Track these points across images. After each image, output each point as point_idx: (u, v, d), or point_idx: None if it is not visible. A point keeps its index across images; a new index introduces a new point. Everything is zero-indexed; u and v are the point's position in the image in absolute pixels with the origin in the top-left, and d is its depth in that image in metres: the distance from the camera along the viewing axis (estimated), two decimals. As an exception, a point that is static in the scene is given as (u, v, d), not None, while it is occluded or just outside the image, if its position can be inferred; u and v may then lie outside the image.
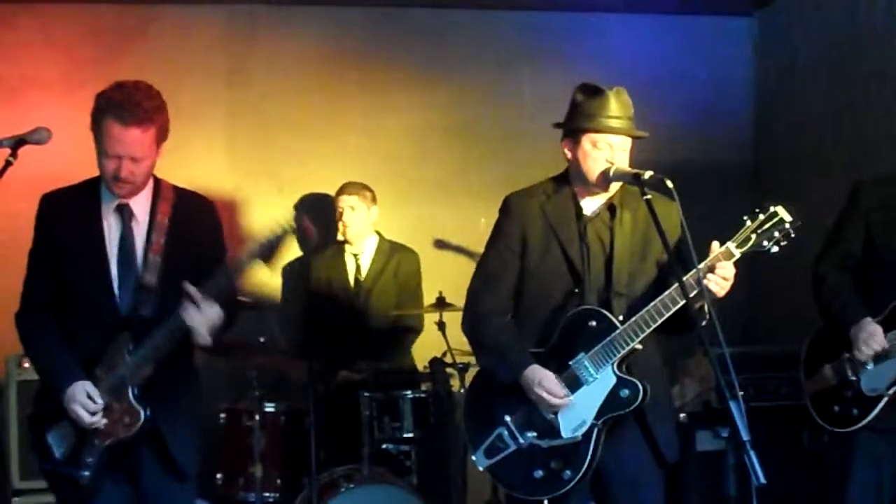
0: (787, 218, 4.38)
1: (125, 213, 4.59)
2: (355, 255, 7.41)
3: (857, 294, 5.09)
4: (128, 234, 4.57)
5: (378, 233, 7.49)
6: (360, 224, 7.37)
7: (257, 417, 6.48)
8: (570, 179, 4.76)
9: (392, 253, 7.44)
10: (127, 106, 4.42)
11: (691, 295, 4.26)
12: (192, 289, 4.35)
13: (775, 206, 4.41)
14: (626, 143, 4.64)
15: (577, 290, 4.63)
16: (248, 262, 4.40)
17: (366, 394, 6.49)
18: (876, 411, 4.97)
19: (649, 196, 4.34)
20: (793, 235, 4.39)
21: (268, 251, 4.39)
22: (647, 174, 4.36)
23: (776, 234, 4.37)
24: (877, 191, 5.13)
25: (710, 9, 8.38)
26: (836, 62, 7.42)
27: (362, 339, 7.21)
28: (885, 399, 4.95)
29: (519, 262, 4.72)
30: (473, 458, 4.70)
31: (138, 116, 4.43)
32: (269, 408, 6.60)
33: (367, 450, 6.41)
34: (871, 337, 4.95)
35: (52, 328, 4.59)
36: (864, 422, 4.98)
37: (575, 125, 4.68)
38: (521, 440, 4.58)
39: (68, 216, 4.62)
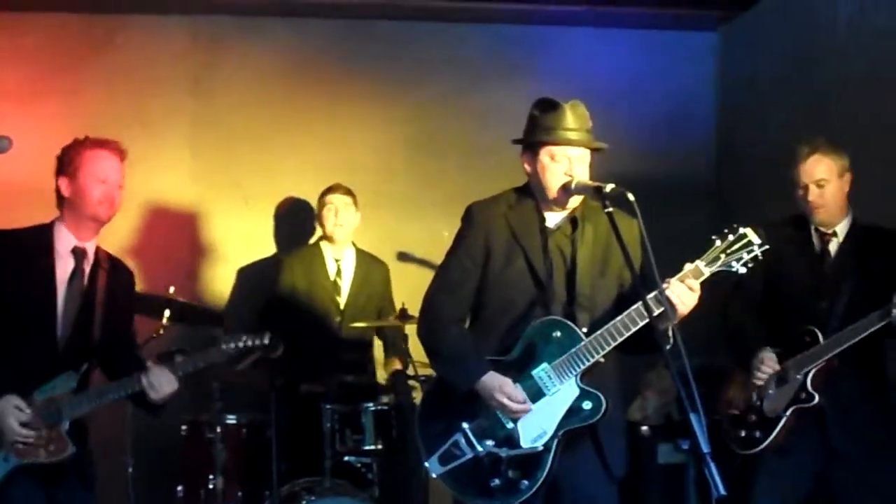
0: (756, 240, 4.44)
1: (79, 255, 4.99)
2: (337, 260, 7.36)
3: (757, 329, 5.41)
4: (78, 272, 4.98)
5: (354, 244, 7.48)
6: (350, 224, 7.36)
7: (218, 429, 6.44)
8: (531, 192, 4.76)
9: (371, 265, 7.46)
10: (108, 141, 5.06)
11: (656, 312, 4.29)
12: (154, 366, 4.88)
13: (744, 227, 4.46)
14: (584, 155, 4.65)
15: (540, 301, 4.63)
16: (219, 358, 4.86)
17: (328, 406, 6.47)
18: (776, 432, 5.19)
19: (611, 209, 4.34)
20: (760, 258, 4.45)
21: (240, 356, 4.91)
22: (609, 187, 4.37)
23: (744, 255, 4.43)
24: (770, 234, 5.31)
25: (674, 24, 8.42)
26: (797, 77, 7.47)
27: (339, 349, 7.17)
28: (784, 420, 5.17)
29: (480, 270, 4.71)
30: (427, 464, 4.65)
31: (119, 150, 5.06)
32: (231, 420, 6.57)
33: (328, 462, 6.39)
34: (763, 362, 5.24)
35: None
36: (766, 443, 5.22)
37: (532, 139, 4.69)
38: (479, 448, 4.55)
39: (19, 254, 4.96)
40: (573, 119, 4.61)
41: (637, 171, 7.25)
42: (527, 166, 4.74)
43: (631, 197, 4.26)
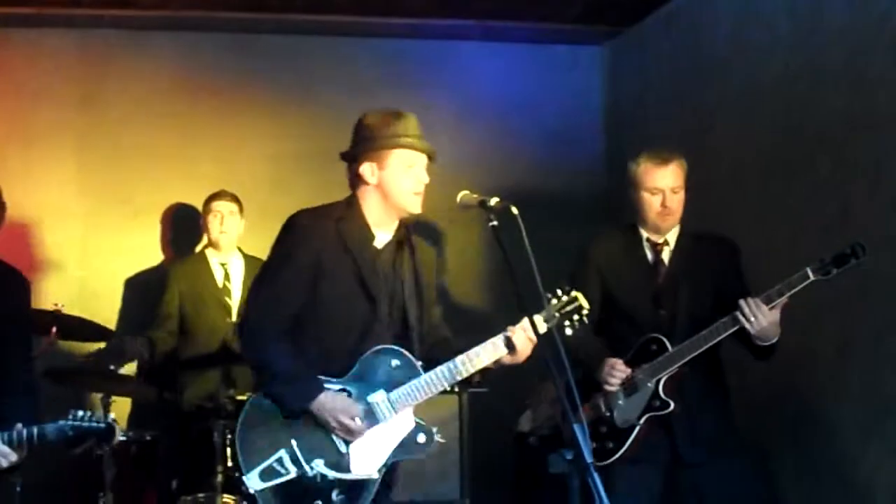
0: (585, 306, 4.52)
1: None
2: (223, 265, 7.36)
3: (598, 341, 5.38)
4: None
5: (240, 249, 7.46)
6: (235, 231, 7.36)
7: (107, 446, 6.38)
8: (360, 206, 4.65)
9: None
10: None
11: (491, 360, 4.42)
12: None
13: (576, 291, 4.55)
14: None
15: (372, 321, 4.54)
16: (55, 435, 4.34)
17: (218, 420, 6.44)
18: (629, 442, 5.21)
19: (495, 223, 4.29)
20: (586, 322, 4.55)
21: (77, 437, 4.37)
22: (493, 201, 4.33)
23: (575, 317, 4.52)
24: (603, 246, 5.50)
25: (562, 39, 8.51)
26: (682, 91, 7.61)
27: (230, 361, 7.08)
28: (638, 429, 5.20)
29: (309, 285, 4.52)
30: (246, 479, 4.41)
31: None
32: (120, 436, 6.50)
33: (220, 478, 6.36)
34: (613, 368, 5.22)
35: None
36: (620, 453, 5.22)
37: (382, 143, 4.58)
38: (306, 468, 4.40)
39: None
40: (417, 127, 4.61)
41: (525, 185, 7.36)
42: (369, 175, 4.60)
43: (515, 210, 4.23)
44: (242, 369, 7.05)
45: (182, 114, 8.11)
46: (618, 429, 5.24)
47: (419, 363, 4.53)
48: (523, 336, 4.45)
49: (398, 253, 4.66)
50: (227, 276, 7.32)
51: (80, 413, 4.35)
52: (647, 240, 5.39)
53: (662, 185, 5.30)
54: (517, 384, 5.88)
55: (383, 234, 4.65)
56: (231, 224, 7.29)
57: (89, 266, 7.94)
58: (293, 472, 4.41)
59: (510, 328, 4.44)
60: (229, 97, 8.19)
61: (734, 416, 5.43)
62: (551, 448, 6.80)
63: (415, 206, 4.61)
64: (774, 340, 5.04)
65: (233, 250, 7.40)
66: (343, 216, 4.62)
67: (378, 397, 4.48)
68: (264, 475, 4.42)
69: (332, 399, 4.42)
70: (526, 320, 4.42)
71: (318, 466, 4.41)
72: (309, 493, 4.42)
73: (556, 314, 4.47)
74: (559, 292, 4.52)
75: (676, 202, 5.32)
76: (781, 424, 6.35)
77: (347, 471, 4.44)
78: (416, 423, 4.53)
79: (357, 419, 4.42)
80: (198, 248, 7.68)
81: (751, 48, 6.77)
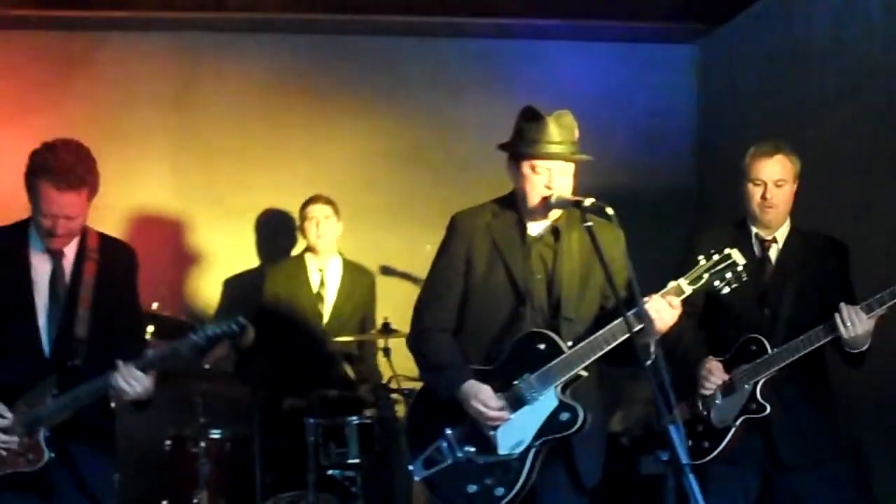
0: (741, 261, 4.47)
1: (56, 254, 4.71)
2: (321, 270, 7.37)
3: (698, 338, 5.37)
4: (59, 272, 4.71)
5: (340, 253, 7.50)
6: (332, 235, 7.37)
7: (202, 444, 6.48)
8: (515, 201, 4.76)
9: (357, 275, 7.47)
10: (60, 172, 4.54)
11: (637, 328, 4.30)
12: (122, 364, 4.48)
13: (730, 248, 4.50)
14: (566, 167, 4.64)
15: (522, 312, 4.64)
16: (187, 349, 4.54)
17: (311, 419, 6.49)
18: (725, 442, 5.18)
19: (591, 223, 4.34)
20: (744, 278, 4.49)
21: (211, 344, 4.55)
22: (588, 201, 4.37)
23: (728, 275, 4.47)
24: (709, 237, 5.37)
25: (653, 37, 8.47)
26: (775, 87, 7.52)
27: (323, 363, 7.20)
28: (733, 430, 5.17)
29: (463, 280, 4.73)
30: (411, 467, 4.71)
31: (72, 182, 4.56)
32: (215, 434, 6.59)
33: (312, 476, 6.41)
34: (710, 372, 5.20)
35: None
36: (715, 453, 5.19)
37: (514, 150, 4.70)
38: (459, 454, 4.58)
39: None
40: (556, 131, 4.59)
41: (618, 184, 7.32)
42: (511, 175, 4.74)
43: (610, 211, 4.29)
44: (334, 370, 7.13)
45: (273, 115, 8.16)
46: (714, 429, 5.21)
47: (567, 344, 4.56)
48: (661, 303, 4.43)
49: (558, 239, 4.72)
50: (322, 283, 7.34)
51: (205, 328, 4.53)
52: (756, 235, 5.34)
53: (765, 177, 5.26)
54: (608, 383, 5.85)
55: (538, 224, 4.74)
56: (327, 228, 7.30)
57: (183, 267, 8.03)
58: (449, 459, 4.63)
59: (648, 297, 4.42)
60: (319, 98, 8.23)
61: (837, 419, 5.36)
62: (643, 449, 6.79)
63: (538, 212, 4.69)
64: (864, 348, 4.99)
65: (332, 254, 7.42)
66: (497, 212, 4.79)
67: (522, 380, 4.55)
68: (427, 464, 4.68)
69: (470, 387, 4.56)
70: (670, 284, 4.47)
71: (468, 452, 4.59)
72: (464, 477, 4.61)
73: (705, 275, 4.47)
74: (711, 251, 4.51)
75: (779, 196, 5.27)
76: (879, 431, 6.25)
77: (495, 453, 4.56)
78: (560, 401, 4.55)
79: (488, 406, 4.52)
80: (296, 251, 7.74)
81: (847, 43, 6.68)
